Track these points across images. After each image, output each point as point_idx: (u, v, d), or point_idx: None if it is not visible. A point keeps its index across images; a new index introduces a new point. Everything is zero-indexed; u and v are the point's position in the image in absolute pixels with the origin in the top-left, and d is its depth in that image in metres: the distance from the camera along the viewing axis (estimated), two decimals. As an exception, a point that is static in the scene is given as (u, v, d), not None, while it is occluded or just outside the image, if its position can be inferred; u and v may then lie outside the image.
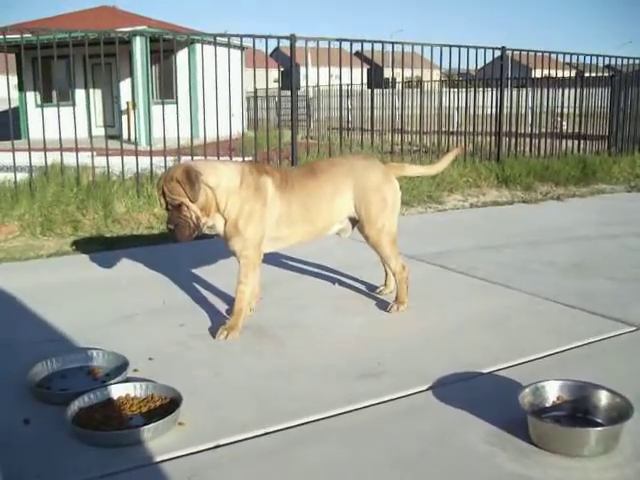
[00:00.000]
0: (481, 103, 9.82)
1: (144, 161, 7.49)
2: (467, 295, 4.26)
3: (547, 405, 2.53)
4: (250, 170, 3.56)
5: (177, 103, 7.41)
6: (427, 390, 2.85)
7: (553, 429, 2.34)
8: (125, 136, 17.56)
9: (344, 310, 3.99)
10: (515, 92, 10.61)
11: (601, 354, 3.26)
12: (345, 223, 3.93)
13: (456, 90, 11.13)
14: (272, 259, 4.70)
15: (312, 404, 2.74)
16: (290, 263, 4.99)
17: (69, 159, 7.44)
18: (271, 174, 3.62)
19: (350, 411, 2.68)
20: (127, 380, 2.91)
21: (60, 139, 6.82)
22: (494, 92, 10.02)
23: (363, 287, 4.42)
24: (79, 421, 2.55)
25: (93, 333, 3.58)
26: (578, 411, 2.51)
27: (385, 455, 2.36)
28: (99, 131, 10.53)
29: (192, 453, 2.38)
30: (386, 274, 4.20)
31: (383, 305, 4.01)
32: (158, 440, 2.44)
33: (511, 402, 2.49)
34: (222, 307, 4.01)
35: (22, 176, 7.13)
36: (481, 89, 9.98)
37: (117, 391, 2.76)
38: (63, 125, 6.81)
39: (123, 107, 19.26)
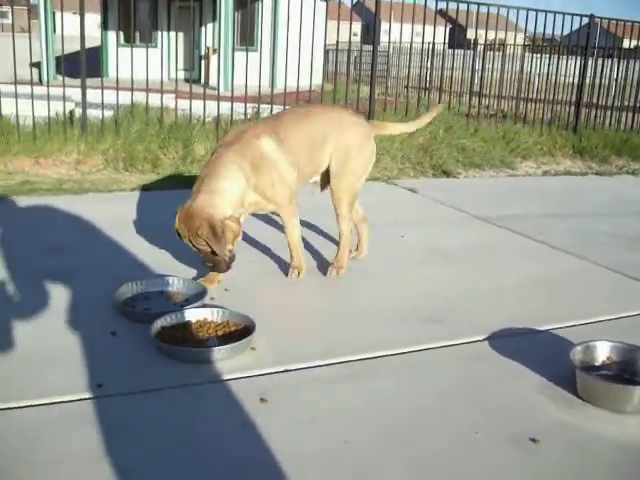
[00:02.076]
0: (564, 71, 9.63)
1: (223, 106, 7.69)
2: (529, 258, 4.35)
3: (596, 364, 2.66)
4: (240, 150, 3.34)
5: (260, 50, 7.55)
6: (484, 340, 3.01)
7: (600, 384, 2.48)
8: (203, 81, 17.84)
9: (410, 261, 4.15)
10: (600, 62, 10.35)
11: (656, 324, 3.34)
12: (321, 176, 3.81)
13: (539, 56, 10.93)
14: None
15: (375, 342, 2.94)
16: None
17: (150, 100, 7.68)
18: (261, 135, 3.40)
19: (411, 351, 2.88)
20: (204, 306, 3.17)
21: (147, 79, 7.00)
22: (578, 60, 9.81)
23: (429, 241, 4.56)
24: (161, 338, 2.81)
25: (171, 263, 3.83)
26: (626, 372, 2.63)
27: (441, 391, 2.56)
28: (179, 74, 10.75)
29: (263, 374, 2.61)
30: None
31: (447, 259, 4.16)
32: (232, 361, 2.68)
33: (562, 358, 2.62)
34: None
35: (105, 114, 7.40)
36: (565, 56, 9.79)
37: (196, 315, 3.01)
38: (144, 66, 6.92)
39: (203, 52, 19.51)
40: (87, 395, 2.41)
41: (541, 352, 2.89)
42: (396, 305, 3.43)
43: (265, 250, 4.20)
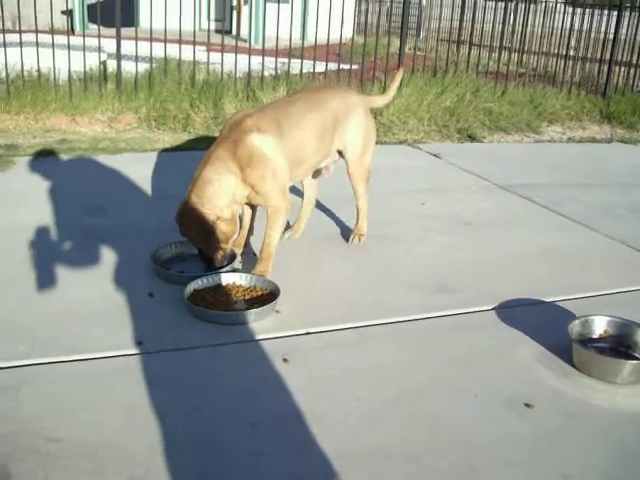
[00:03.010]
0: (602, 27, 9.30)
1: (254, 60, 7.57)
2: (547, 229, 4.49)
3: (593, 337, 2.88)
4: (231, 148, 3.27)
5: (291, 2, 7.44)
6: (491, 310, 3.24)
7: (593, 356, 2.70)
8: (235, 32, 17.78)
9: (429, 229, 4.33)
10: (636, 17, 10.04)
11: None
12: (335, 157, 3.88)
13: (571, 10, 10.69)
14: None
15: (390, 308, 3.20)
16: (381, 181, 5.28)
17: (182, 53, 7.50)
18: (257, 130, 3.30)
19: (421, 319, 3.13)
20: (234, 270, 3.42)
21: (180, 29, 6.86)
22: (612, 15, 9.53)
23: (449, 209, 4.73)
24: (193, 300, 3.07)
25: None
26: (621, 345, 2.85)
27: (447, 357, 2.81)
28: (211, 25, 10.67)
29: (286, 336, 2.88)
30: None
31: (466, 228, 4.35)
32: (259, 323, 2.95)
33: (563, 330, 2.83)
34: (318, 214, 4.44)
35: (133, 66, 7.35)
36: (599, 11, 9.50)
37: (226, 278, 3.26)
38: (171, 16, 6.80)
39: (234, 2, 19.35)
40: (130, 352, 2.69)
41: (544, 323, 3.10)
42: (411, 272, 3.65)
43: (291, 216, 4.40)
